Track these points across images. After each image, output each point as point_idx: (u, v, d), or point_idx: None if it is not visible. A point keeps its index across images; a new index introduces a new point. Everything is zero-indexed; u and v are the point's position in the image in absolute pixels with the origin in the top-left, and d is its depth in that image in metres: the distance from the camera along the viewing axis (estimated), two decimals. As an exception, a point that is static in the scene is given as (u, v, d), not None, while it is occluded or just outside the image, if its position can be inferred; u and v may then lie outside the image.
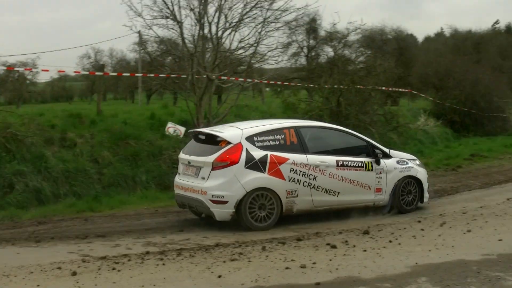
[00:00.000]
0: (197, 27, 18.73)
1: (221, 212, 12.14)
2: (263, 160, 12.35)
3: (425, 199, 14.55)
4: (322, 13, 47.78)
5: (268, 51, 20.32)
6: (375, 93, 26.52)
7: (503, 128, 39.01)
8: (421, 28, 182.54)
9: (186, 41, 19.06)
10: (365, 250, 9.97)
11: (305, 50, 42.55)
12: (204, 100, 18.95)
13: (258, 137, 12.65)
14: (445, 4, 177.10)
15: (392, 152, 14.49)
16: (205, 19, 18.69)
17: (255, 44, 19.44)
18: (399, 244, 10.44)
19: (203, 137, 13.29)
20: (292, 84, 32.51)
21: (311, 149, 13.09)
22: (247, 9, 19.07)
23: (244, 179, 12.14)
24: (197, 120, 18.75)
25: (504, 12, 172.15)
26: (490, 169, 22.07)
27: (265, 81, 26.36)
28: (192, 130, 14.56)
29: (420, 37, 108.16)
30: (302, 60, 43.27)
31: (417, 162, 14.96)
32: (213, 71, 18.76)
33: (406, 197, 14.08)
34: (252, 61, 21.11)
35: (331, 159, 13.15)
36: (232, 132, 12.79)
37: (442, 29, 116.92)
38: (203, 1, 18.49)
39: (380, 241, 10.66)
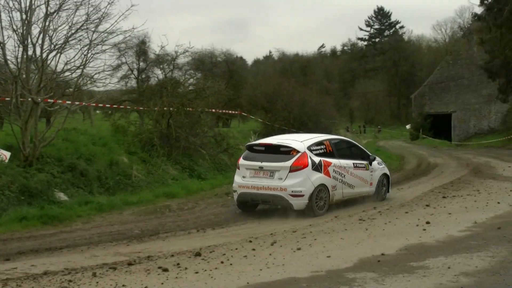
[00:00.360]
0: (21, 49, 18.09)
1: (299, 203, 15.97)
2: (319, 164, 16.57)
3: (390, 191, 19.83)
4: (151, 36, 47.74)
5: (95, 74, 20.00)
6: (205, 115, 26.64)
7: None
8: (250, 51, 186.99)
9: (9, 63, 18.37)
10: (197, 272, 9.86)
11: (135, 72, 42.15)
12: (30, 124, 18.29)
13: (313, 147, 16.89)
14: (273, 28, 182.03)
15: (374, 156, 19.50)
16: (29, 40, 18.11)
17: (82, 66, 19.06)
18: (231, 264, 10.40)
19: (262, 148, 17.16)
20: (122, 106, 32.14)
21: (339, 155, 17.59)
22: (73, 31, 18.71)
23: (312, 178, 16.23)
24: (23, 144, 18.06)
25: (329, 36, 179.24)
26: (318, 187, 22.62)
27: (94, 104, 25.85)
28: (251, 143, 18.89)
29: (249, 60, 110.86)
30: (133, 83, 42.89)
31: (383, 163, 20.10)
32: (39, 94, 18.17)
33: (382, 188, 19.30)
34: (80, 83, 20.67)
35: (350, 162, 17.87)
36: (297, 144, 16.78)
37: (270, 52, 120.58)
38: (26, 22, 17.90)
39: (212, 262, 10.58)
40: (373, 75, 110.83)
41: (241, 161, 17.08)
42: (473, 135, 66.34)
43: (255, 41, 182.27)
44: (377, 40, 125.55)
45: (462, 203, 17.41)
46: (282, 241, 12.43)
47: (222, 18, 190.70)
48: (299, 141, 17.06)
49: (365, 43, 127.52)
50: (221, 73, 54.75)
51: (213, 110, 28.45)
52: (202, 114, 26.61)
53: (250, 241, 12.56)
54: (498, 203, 17.06)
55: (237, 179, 16.97)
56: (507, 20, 49.58)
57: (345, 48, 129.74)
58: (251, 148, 17.46)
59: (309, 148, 16.68)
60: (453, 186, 21.77)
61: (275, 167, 16.24)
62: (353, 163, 17.91)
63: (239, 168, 17.07)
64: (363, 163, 18.41)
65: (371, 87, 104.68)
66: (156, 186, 20.89)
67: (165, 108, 24.82)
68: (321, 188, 16.41)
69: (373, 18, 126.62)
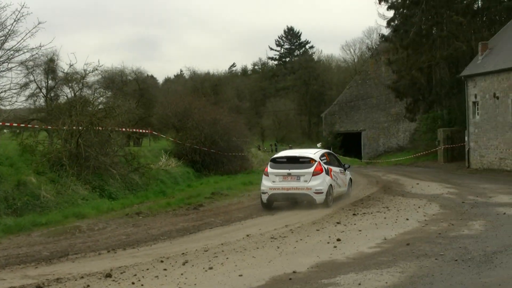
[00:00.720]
0: None
1: (320, 198, 21.32)
2: (327, 169, 22.09)
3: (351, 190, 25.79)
4: (59, 53, 46.90)
5: (1, 92, 19.57)
6: (116, 134, 26.34)
7: (242, 166, 40.46)
8: (161, 69, 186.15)
9: None
10: (107, 294, 9.73)
11: (44, 90, 41.26)
12: None
13: (321, 157, 22.46)
14: (184, 47, 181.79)
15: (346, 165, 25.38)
16: None
17: (-13, 85, 18.61)
18: (142, 285, 10.31)
19: (284, 159, 22.52)
20: (30, 125, 31.44)
21: (333, 163, 23.43)
22: (-24, 49, 18.24)
23: (326, 179, 21.72)
24: None
25: (240, 55, 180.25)
26: (230, 206, 22.67)
27: (1, 123, 25.21)
28: (274, 156, 23.68)
29: (160, 79, 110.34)
30: (41, 101, 41.92)
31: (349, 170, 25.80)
32: None
33: (350, 188, 25.33)
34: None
35: (338, 168, 23.68)
36: (312, 155, 22.34)
37: (181, 71, 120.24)
38: None
39: (123, 284, 10.46)
40: (284, 94, 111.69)
41: (270, 169, 22.04)
42: (382, 153, 67.79)
43: (166, 60, 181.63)
44: (287, 59, 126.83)
45: (372, 220, 17.73)
46: (194, 261, 12.39)
47: (132, 36, 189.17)
48: (312, 153, 22.83)
49: (276, 62, 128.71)
50: (131, 91, 54.15)
51: (123, 129, 28.17)
52: (112, 133, 26.32)
53: (162, 261, 12.47)
54: (407, 219, 17.45)
55: (267, 183, 21.80)
56: (413, 41, 51.09)
57: (256, 67, 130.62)
58: (274, 160, 22.62)
59: (319, 158, 22.23)
60: (363, 204, 22.13)
61: (301, 172, 21.52)
62: (339, 170, 23.84)
63: (267, 175, 21.92)
64: (342, 170, 24.31)
65: (282, 106, 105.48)
66: (65, 207, 20.54)
67: (74, 127, 24.42)
68: (330, 187, 21.83)
69: (283, 38, 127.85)
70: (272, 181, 21.71)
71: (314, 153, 22.90)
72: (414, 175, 37.28)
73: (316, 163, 21.71)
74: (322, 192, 21.33)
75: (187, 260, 12.42)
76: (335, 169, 23.21)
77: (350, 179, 25.89)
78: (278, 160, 22.61)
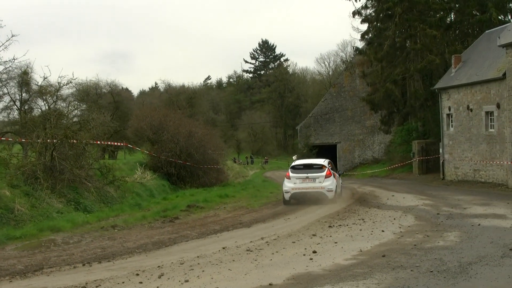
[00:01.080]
0: None
1: (331, 195, 26.73)
2: (333, 173, 27.77)
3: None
4: (33, 66, 46.69)
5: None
6: (90, 147, 26.20)
7: (218, 179, 40.43)
8: (136, 82, 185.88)
9: None
10: (81, 308, 9.64)
11: (18, 103, 40.99)
12: None
13: (328, 164, 28.04)
14: (159, 60, 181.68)
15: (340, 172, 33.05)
16: None
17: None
18: (118, 298, 10.22)
19: (301, 166, 28.19)
20: (4, 138, 31.20)
21: (334, 169, 29.03)
22: None
23: (334, 181, 27.25)
24: None
25: (215, 68, 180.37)
26: (206, 219, 22.59)
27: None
28: (293, 163, 29.18)
29: (135, 92, 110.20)
30: (15, 114, 41.64)
31: None
32: None
33: (342, 190, 30.45)
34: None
35: (337, 173, 29.24)
36: (323, 162, 27.98)
37: (156, 84, 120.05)
38: None
39: (98, 297, 10.36)
40: (259, 106, 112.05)
41: (291, 174, 27.66)
42: (358, 165, 68.08)
43: (141, 73, 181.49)
44: (262, 72, 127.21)
45: (347, 232, 17.74)
46: (169, 274, 12.32)
47: (106, 49, 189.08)
48: (322, 161, 28.44)
49: (251, 75, 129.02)
50: (106, 104, 54.10)
51: (98, 142, 28.05)
52: (87, 146, 26.19)
53: (137, 274, 12.38)
54: (383, 231, 17.49)
55: (289, 184, 27.54)
56: (387, 54, 51.43)
57: (231, 80, 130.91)
58: (294, 167, 28.25)
59: (328, 164, 27.87)
60: (339, 216, 22.15)
61: (316, 176, 27.13)
62: (339, 173, 30.24)
63: (289, 178, 27.61)
64: (339, 174, 30.31)
65: (257, 118, 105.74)
66: (40, 220, 20.34)
67: (48, 140, 24.26)
68: (336, 187, 27.34)
69: (258, 51, 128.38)
70: (293, 183, 27.45)
71: (323, 161, 28.54)
72: (390, 187, 37.50)
73: (327, 168, 27.37)
74: (332, 191, 26.89)
75: (163, 273, 12.35)
76: (336, 174, 28.78)
77: (341, 183, 31.20)
78: (297, 167, 28.32)
